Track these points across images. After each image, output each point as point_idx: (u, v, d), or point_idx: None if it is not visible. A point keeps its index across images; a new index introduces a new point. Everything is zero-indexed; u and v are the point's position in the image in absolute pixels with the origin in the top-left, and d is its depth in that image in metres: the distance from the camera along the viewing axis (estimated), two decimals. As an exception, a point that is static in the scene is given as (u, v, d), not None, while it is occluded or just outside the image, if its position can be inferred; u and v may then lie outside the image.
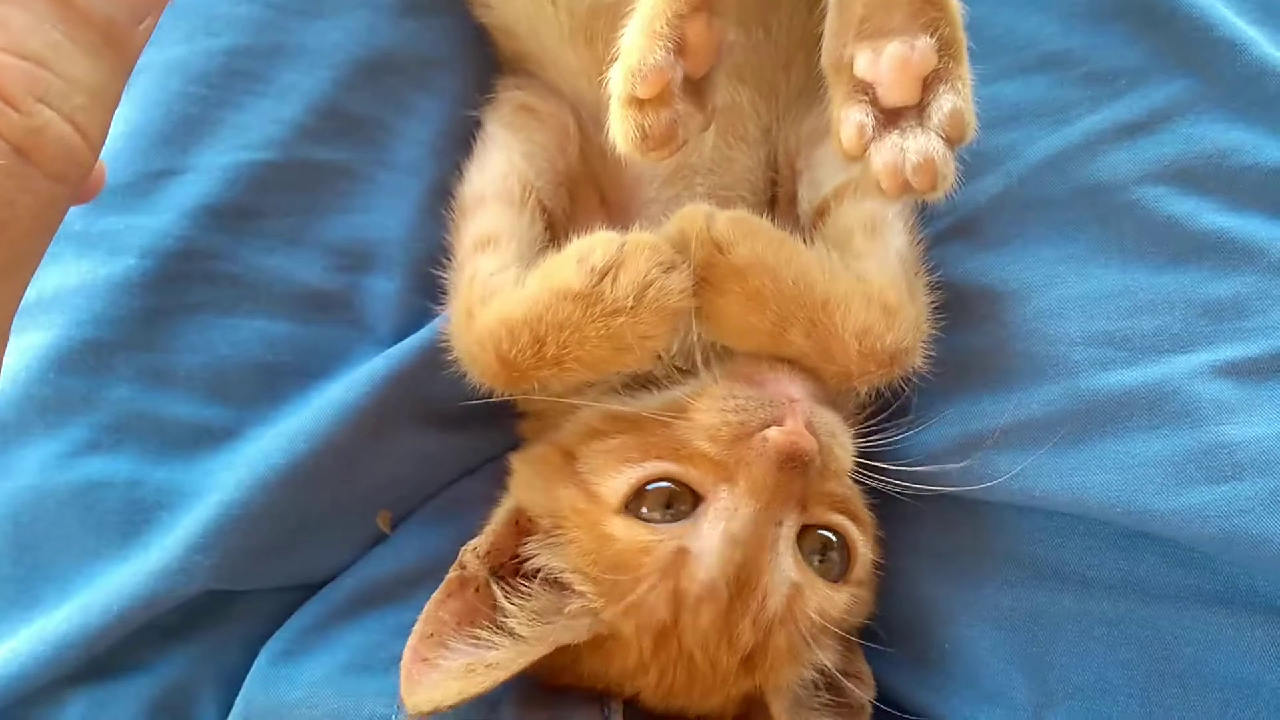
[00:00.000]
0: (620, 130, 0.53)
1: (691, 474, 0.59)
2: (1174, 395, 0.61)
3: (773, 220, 0.64)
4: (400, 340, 0.71)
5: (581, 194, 0.73)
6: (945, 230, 0.70)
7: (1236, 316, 0.62)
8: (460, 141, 0.74)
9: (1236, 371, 0.61)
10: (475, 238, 0.67)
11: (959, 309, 0.66)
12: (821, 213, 0.67)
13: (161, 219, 0.68)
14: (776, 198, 0.72)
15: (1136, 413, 0.62)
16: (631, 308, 0.57)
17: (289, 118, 0.70)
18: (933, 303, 0.66)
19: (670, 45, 0.53)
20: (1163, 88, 0.66)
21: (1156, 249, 0.64)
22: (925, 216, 0.69)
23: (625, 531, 0.58)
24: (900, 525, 0.67)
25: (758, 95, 0.70)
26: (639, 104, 0.53)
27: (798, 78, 0.70)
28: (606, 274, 0.57)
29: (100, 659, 0.64)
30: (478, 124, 0.74)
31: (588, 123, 0.73)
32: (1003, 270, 0.67)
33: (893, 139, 0.52)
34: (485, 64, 0.76)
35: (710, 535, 0.58)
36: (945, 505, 0.65)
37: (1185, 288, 0.63)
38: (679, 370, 0.65)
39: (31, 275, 0.35)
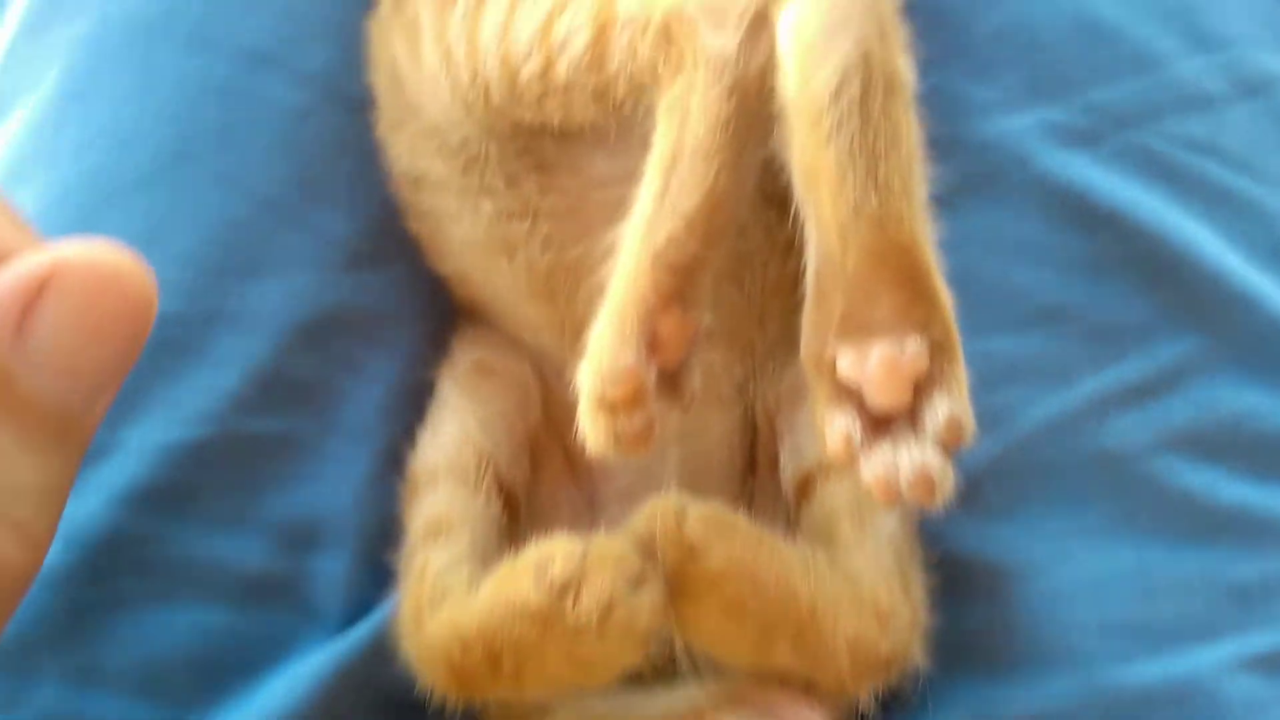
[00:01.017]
0: (592, 434, 0.49)
1: None
2: (1200, 692, 0.56)
3: (753, 487, 0.59)
4: (350, 624, 0.64)
5: (545, 454, 0.68)
6: (944, 498, 0.64)
7: (1265, 601, 0.57)
8: (413, 399, 0.68)
9: (1268, 665, 0.56)
10: (426, 523, 0.61)
11: (961, 586, 0.61)
12: (805, 487, 0.61)
13: (88, 505, 0.62)
14: (756, 460, 0.66)
15: (1160, 711, 0.56)
16: (596, 629, 0.51)
17: (225, 389, 0.65)
18: (932, 581, 0.60)
19: (641, 344, 0.48)
20: (1171, 346, 0.62)
21: (1174, 525, 0.59)
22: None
23: None
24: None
25: (731, 352, 0.65)
26: (611, 407, 0.48)
27: (773, 329, 0.65)
28: (567, 590, 0.51)
29: None
30: (432, 383, 0.68)
31: (551, 376, 0.67)
32: (1007, 544, 0.62)
33: (884, 451, 0.47)
34: (441, 313, 0.71)
35: None
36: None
37: (1207, 569, 0.58)
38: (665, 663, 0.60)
39: None
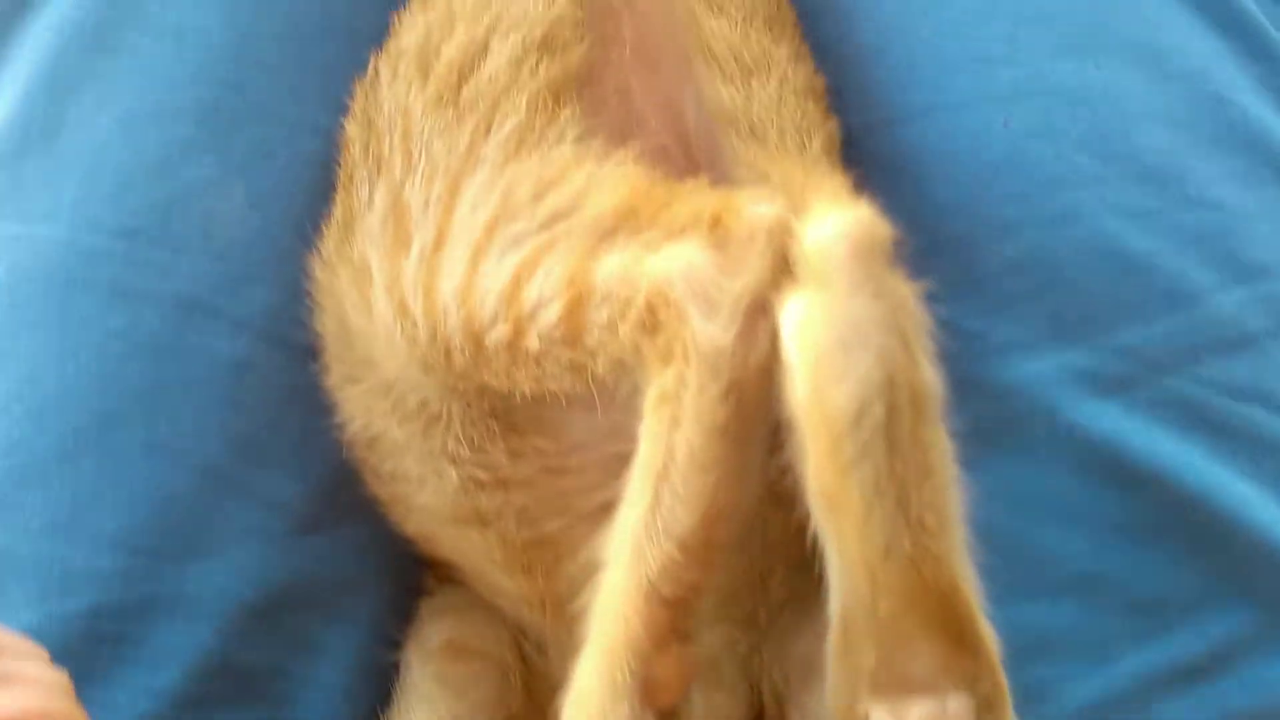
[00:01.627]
0: None
1: None
2: None
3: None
4: None
5: (528, 738, 0.61)
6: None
7: None
8: (379, 677, 0.62)
9: None
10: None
11: None
12: (822, 782, 0.55)
13: None
14: (764, 744, 0.60)
15: None
16: None
17: (166, 687, 0.58)
18: None
19: (635, 695, 0.43)
20: (1220, 621, 0.57)
21: None
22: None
23: None
24: None
25: (732, 624, 0.59)
26: None
27: (778, 591, 0.59)
28: None
29: None
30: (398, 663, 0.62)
31: (532, 652, 0.61)
32: None
33: (929, 828, 0.41)
34: (406, 574, 0.65)
35: None
36: None
37: None
38: None
39: None
